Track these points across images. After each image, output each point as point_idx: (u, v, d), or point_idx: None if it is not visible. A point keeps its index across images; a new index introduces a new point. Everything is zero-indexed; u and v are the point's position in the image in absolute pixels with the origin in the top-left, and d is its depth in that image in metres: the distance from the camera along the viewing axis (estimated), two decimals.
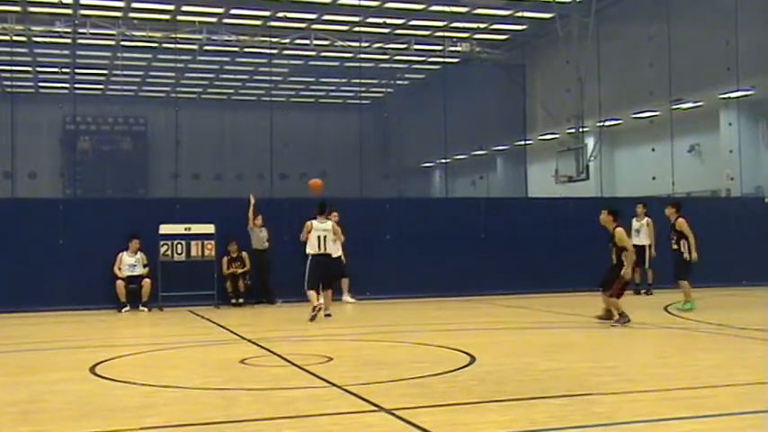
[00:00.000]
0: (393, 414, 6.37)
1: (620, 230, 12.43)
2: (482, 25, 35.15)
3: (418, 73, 45.55)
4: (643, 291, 18.02)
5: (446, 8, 32.53)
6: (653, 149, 29.33)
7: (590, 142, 32.05)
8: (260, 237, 16.94)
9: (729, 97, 28.19)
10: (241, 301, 16.89)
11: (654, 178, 28.77)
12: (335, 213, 16.59)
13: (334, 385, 7.64)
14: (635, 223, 17.76)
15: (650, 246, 17.76)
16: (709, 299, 16.80)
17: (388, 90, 50.38)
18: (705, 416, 6.29)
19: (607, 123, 32.72)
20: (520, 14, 33.66)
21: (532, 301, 16.87)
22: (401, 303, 16.73)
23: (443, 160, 46.42)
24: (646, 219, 17.90)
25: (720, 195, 27.06)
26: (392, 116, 50.55)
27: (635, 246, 16.57)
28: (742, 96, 28.02)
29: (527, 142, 38.98)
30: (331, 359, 9.34)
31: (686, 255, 13.62)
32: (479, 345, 10.44)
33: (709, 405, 6.71)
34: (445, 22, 34.83)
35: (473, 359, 9.09)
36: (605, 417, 6.28)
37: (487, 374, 8.25)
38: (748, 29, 25.18)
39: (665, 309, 14.80)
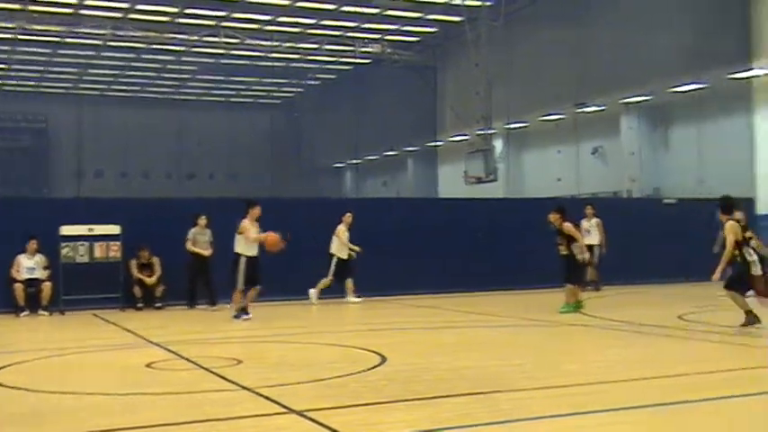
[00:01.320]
0: (303, 416, 6.34)
1: (567, 225, 13.72)
2: (393, 27, 35.38)
3: (330, 73, 45.55)
4: (590, 288, 18.36)
5: (357, 9, 32.62)
6: (558, 151, 30.03)
7: (498, 144, 32.63)
8: (204, 239, 16.19)
9: (630, 102, 29.09)
10: (159, 305, 16.46)
11: (559, 179, 29.45)
12: (349, 214, 16.90)
13: (243, 388, 7.56)
14: (585, 224, 18.16)
15: (600, 245, 18.24)
16: (611, 297, 17.29)
17: (300, 90, 50.25)
18: (606, 410, 6.46)
19: (515, 126, 33.36)
20: (430, 17, 34.02)
21: (442, 301, 17.03)
22: (313, 304, 16.67)
23: (355, 160, 46.58)
24: (595, 219, 18.37)
25: (622, 196, 27.88)
26: (304, 116, 50.45)
27: (586, 245, 17.02)
28: (642, 101, 28.95)
29: (437, 143, 39.41)
30: (241, 361, 9.23)
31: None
32: (390, 345, 10.49)
33: (610, 400, 6.89)
34: (356, 23, 34.94)
35: (383, 359, 9.12)
36: (510, 414, 6.38)
37: (397, 374, 8.29)
38: (649, 37, 26.02)
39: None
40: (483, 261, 18.88)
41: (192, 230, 16.11)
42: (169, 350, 10.32)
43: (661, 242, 20.49)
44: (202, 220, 16.16)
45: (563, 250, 13.88)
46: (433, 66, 39.02)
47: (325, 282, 16.79)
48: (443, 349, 10.37)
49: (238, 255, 13.75)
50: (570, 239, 13.81)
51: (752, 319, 11.07)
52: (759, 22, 23.86)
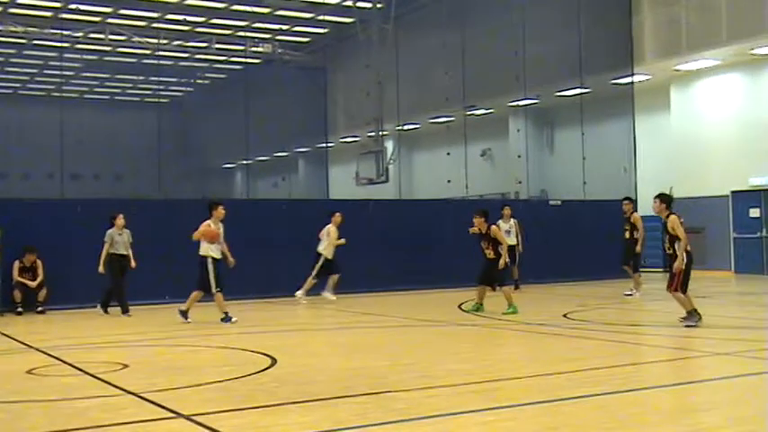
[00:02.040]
0: (192, 420, 6.21)
1: (494, 228, 14.09)
2: (284, 27, 35.13)
3: (220, 72, 44.88)
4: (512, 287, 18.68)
5: (248, 8, 32.25)
6: (448, 153, 30.43)
7: (389, 145, 32.83)
8: (123, 240, 15.29)
9: (517, 105, 29.78)
10: (41, 309, 15.81)
11: (449, 181, 29.84)
12: (338, 213, 16.94)
13: (129, 393, 7.34)
14: (503, 224, 18.40)
15: (518, 245, 18.54)
16: (499, 297, 17.62)
17: (189, 89, 49.30)
18: (496, 407, 6.57)
19: (406, 127, 33.63)
20: (321, 18, 33.94)
21: (337, 301, 17.01)
22: (203, 306, 16.36)
23: (245, 161, 46.01)
24: (512, 220, 18.64)
25: (510, 198, 28.48)
26: (192, 116, 49.50)
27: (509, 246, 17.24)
28: (529, 104, 29.67)
29: (329, 144, 39.38)
30: (126, 366, 8.98)
31: (503, 260, 13.99)
32: (282, 347, 10.40)
33: (499, 397, 7.02)
34: (247, 22, 34.53)
35: (275, 361, 9.03)
36: (404, 413, 6.42)
37: (289, 376, 8.22)
38: (535, 41, 26.68)
39: (460, 306, 15.36)
40: (377, 262, 18.95)
41: (110, 231, 15.18)
42: (51, 356, 9.95)
43: (547, 243, 21.06)
44: (120, 220, 15.26)
45: (489, 254, 13.98)
46: (324, 67, 38.95)
47: (310, 282, 16.79)
48: (337, 350, 10.36)
49: (204, 257, 13.28)
50: (495, 242, 13.94)
51: (694, 316, 11.34)
52: (640, 30, 24.80)
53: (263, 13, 32.96)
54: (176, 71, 42.69)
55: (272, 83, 40.16)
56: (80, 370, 8.77)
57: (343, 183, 35.01)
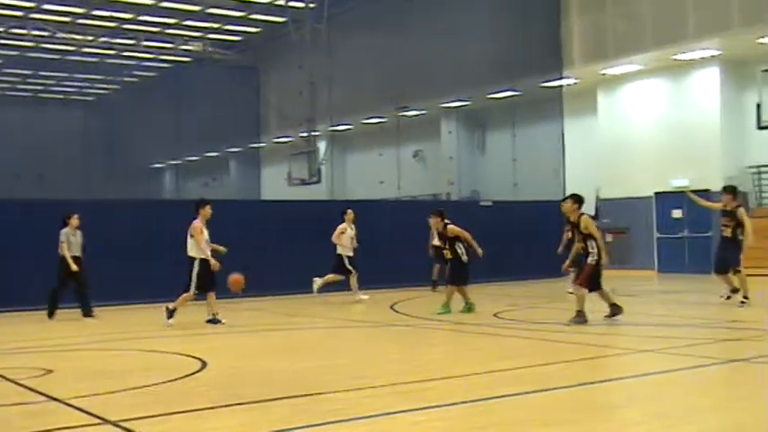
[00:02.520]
0: (119, 426, 6.10)
1: (452, 226, 13.81)
2: (215, 25, 34.77)
3: (149, 70, 44.15)
4: (433, 287, 18.72)
5: (178, 5, 31.81)
6: (380, 154, 30.53)
7: (322, 146, 32.80)
8: (77, 241, 14.75)
9: (449, 107, 30.03)
10: None
11: (382, 182, 29.95)
12: (350, 211, 16.78)
13: (53, 399, 7.17)
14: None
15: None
16: (433, 296, 17.76)
17: (116, 87, 48.39)
18: (428, 407, 6.62)
19: (338, 128, 33.63)
20: (253, 17, 33.69)
21: (268, 303, 16.91)
22: (131, 309, 16.11)
23: (175, 161, 45.43)
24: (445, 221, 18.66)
25: (441, 198, 28.69)
26: (120, 114, 48.57)
27: (435, 246, 17.26)
28: (461, 106, 29.95)
29: (260, 145, 39.12)
30: (50, 371, 8.76)
31: (464, 258, 13.94)
32: (213, 349, 10.29)
33: (432, 397, 7.06)
34: (177, 20, 34.05)
35: (205, 364, 8.93)
36: (338, 414, 6.40)
37: (219, 379, 8.15)
38: (467, 44, 26.94)
39: (392, 307, 15.42)
40: (309, 263, 18.81)
41: (65, 231, 14.63)
42: None
43: (479, 243, 21.22)
44: (75, 221, 14.72)
45: (447, 254, 13.92)
46: (256, 66, 38.69)
47: (354, 281, 16.80)
48: (269, 352, 10.29)
49: (192, 258, 12.98)
50: (453, 241, 13.84)
51: (616, 309, 11.76)
52: (569, 35, 25.26)
53: (193, 11, 32.56)
54: (103, 69, 41.82)
55: (203, 82, 39.71)
56: (1, 377, 8.53)
57: (276, 183, 34.82)
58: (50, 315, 14.64)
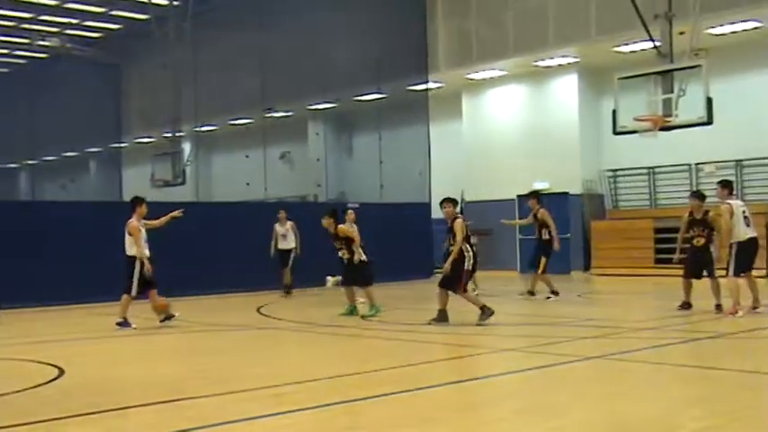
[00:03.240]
0: None
1: (342, 227, 13.81)
2: (74, 21, 33.50)
3: (3, 66, 42.09)
4: (284, 292, 18.22)
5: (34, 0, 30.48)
6: (247, 156, 30.19)
7: (187, 147, 32.12)
8: None
9: (317, 109, 30.01)
10: None
11: (248, 184, 29.61)
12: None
13: None
14: (279, 228, 18.12)
15: (296, 248, 18.24)
16: (296, 298, 17.70)
17: None
18: (295, 410, 6.56)
19: (204, 128, 33.04)
20: (115, 13, 32.68)
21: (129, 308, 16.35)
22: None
23: (30, 161, 43.51)
24: (289, 223, 18.32)
25: (309, 200, 28.63)
26: None
27: (282, 250, 16.90)
28: (328, 108, 29.98)
29: (122, 145, 37.98)
30: None
31: (363, 258, 13.75)
32: (72, 356, 9.89)
33: (298, 400, 7.01)
34: (33, 14, 32.60)
35: (62, 372, 8.56)
36: (201, 420, 6.27)
37: (78, 387, 7.83)
38: (334, 46, 27.01)
39: (258, 310, 15.25)
40: (173, 266, 18.33)
41: None
42: None
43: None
44: None
45: (344, 254, 13.72)
46: (117, 64, 37.53)
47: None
48: (131, 358, 9.98)
49: (132, 258, 12.45)
50: (348, 241, 13.66)
51: (488, 311, 11.81)
52: (434, 39, 25.69)
53: (50, 6, 31.26)
54: None
55: (61, 79, 38.17)
56: None
57: (138, 184, 33.83)
58: None
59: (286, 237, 18.23)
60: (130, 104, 36.29)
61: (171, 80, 29.26)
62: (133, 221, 12.70)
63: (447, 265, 11.93)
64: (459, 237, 11.88)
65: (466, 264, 11.86)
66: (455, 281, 11.85)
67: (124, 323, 12.68)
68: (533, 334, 11.24)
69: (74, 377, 8.36)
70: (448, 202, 12.59)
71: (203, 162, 34.36)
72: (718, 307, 12.60)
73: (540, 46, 23.09)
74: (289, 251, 18.19)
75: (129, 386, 7.83)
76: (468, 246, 11.99)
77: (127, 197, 34.09)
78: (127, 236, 12.64)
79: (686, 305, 13.02)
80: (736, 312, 12.15)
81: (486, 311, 11.79)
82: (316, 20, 27.63)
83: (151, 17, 29.05)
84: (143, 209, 12.92)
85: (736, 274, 12.33)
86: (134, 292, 12.68)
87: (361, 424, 6.18)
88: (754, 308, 12.51)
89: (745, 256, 12.39)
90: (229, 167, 33.78)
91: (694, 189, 16.16)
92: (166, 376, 8.42)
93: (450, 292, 12.02)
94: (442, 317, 11.98)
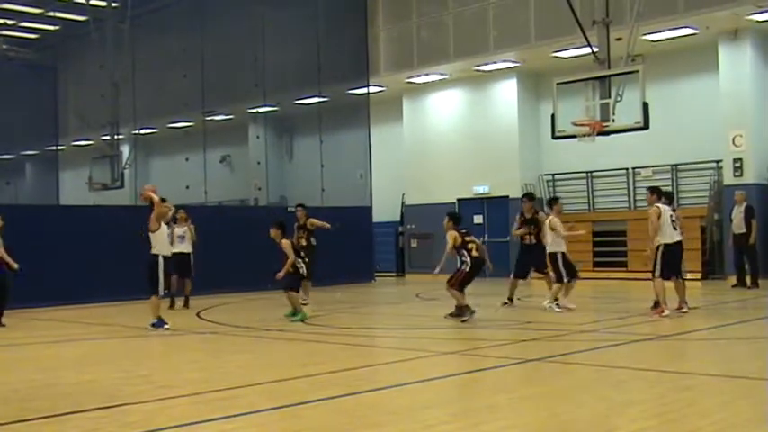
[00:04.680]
0: None
1: (285, 242, 13.80)
2: (9, 21, 32.76)
3: None
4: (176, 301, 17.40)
5: None
6: (187, 159, 29.84)
7: (125, 150, 31.64)
8: None
9: (257, 112, 29.84)
10: None
11: (188, 187, 29.27)
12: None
13: None
14: (178, 230, 17.73)
15: (193, 253, 17.76)
16: (237, 303, 17.56)
17: None
18: (236, 415, 6.51)
19: (143, 131, 32.57)
20: (52, 14, 32.04)
21: (63, 313, 16.07)
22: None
23: None
24: (188, 225, 17.71)
25: (249, 204, 28.44)
26: None
27: (181, 254, 16.54)
28: (268, 112, 29.83)
29: (59, 147, 37.23)
30: None
31: (301, 271, 13.68)
32: (4, 362, 9.66)
33: (239, 405, 6.96)
34: None
35: None
36: (140, 425, 6.19)
37: (12, 393, 7.65)
38: (275, 49, 26.87)
39: (198, 314, 15.10)
40: (110, 270, 18.08)
41: None
42: None
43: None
44: None
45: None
46: (54, 66, 36.77)
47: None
48: (66, 364, 9.78)
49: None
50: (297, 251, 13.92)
51: (465, 312, 12.49)
52: (375, 42, 25.75)
53: None
54: None
55: None
56: None
57: (75, 188, 33.22)
58: None
59: (184, 238, 16.77)
60: (68, 107, 35.56)
61: (109, 82, 28.80)
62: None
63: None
64: (449, 245, 13.31)
65: (464, 266, 13.12)
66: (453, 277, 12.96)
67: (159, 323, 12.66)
68: (474, 337, 11.34)
69: (5, 384, 8.17)
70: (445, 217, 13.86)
71: (142, 165, 33.83)
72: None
73: (480, 51, 23.30)
74: (187, 255, 16.58)
75: (66, 392, 7.68)
76: (464, 251, 13.27)
77: (64, 201, 33.62)
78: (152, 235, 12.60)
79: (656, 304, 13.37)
80: (663, 312, 12.54)
81: (465, 312, 12.61)
82: (257, 23, 27.47)
83: (89, 18, 28.56)
84: None
85: (663, 275, 12.75)
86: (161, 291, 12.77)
87: (303, 428, 6.17)
88: (680, 308, 12.92)
89: (671, 259, 12.82)
90: (169, 171, 33.34)
91: (631, 193, 16.56)
92: (102, 381, 8.29)
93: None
94: (464, 310, 12.73)
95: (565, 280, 14.09)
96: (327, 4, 26.80)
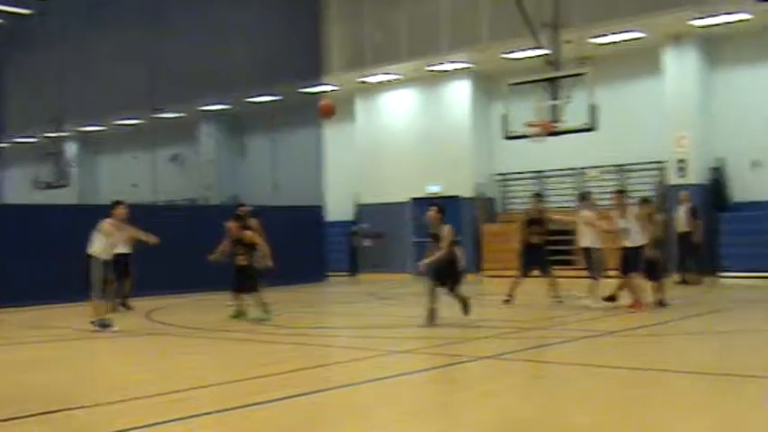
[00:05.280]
0: None
1: (249, 233, 13.50)
2: None
3: None
4: (120, 302, 15.94)
5: None
6: (135, 157, 29.48)
7: (71, 148, 31.13)
8: None
9: (208, 110, 29.55)
10: None
11: (135, 185, 28.89)
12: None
13: None
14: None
15: (131, 253, 17.39)
16: (186, 304, 17.35)
17: None
18: (188, 416, 6.41)
19: (89, 129, 32.07)
20: None
21: (7, 315, 15.68)
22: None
23: None
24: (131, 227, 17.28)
25: (200, 203, 28.16)
26: None
27: (121, 254, 16.15)
28: (220, 110, 29.57)
29: (1, 145, 36.48)
30: None
31: (261, 265, 13.42)
32: None
33: (191, 406, 6.86)
34: None
35: None
36: (90, 429, 6.07)
37: None
38: (227, 46, 26.64)
39: (147, 315, 14.88)
40: (48, 272, 17.59)
41: None
42: None
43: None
44: None
45: (242, 260, 13.42)
46: None
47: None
48: (13, 367, 9.54)
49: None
50: (251, 247, 13.43)
51: (432, 316, 11.89)
52: (328, 41, 25.64)
53: None
54: None
55: None
56: None
57: (19, 186, 32.57)
58: None
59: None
60: (10, 103, 34.83)
61: (54, 78, 28.29)
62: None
63: (427, 261, 12.35)
64: (446, 241, 12.36)
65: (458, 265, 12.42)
66: (455, 280, 12.19)
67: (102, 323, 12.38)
68: (429, 336, 11.34)
69: None
70: (433, 207, 12.88)
71: (88, 163, 33.34)
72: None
73: (432, 51, 23.35)
74: (126, 255, 15.67)
75: (9, 397, 7.49)
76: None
77: (8, 199, 32.95)
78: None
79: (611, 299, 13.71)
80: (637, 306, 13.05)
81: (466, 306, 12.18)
82: (208, 20, 27.22)
83: (34, 12, 28.01)
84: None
85: (626, 273, 13.10)
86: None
87: (256, 428, 6.10)
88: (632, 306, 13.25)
89: (632, 259, 13.12)
90: (117, 169, 32.89)
91: (580, 193, 16.67)
92: (55, 384, 8.11)
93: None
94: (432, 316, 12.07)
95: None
96: (280, 2, 26.65)
